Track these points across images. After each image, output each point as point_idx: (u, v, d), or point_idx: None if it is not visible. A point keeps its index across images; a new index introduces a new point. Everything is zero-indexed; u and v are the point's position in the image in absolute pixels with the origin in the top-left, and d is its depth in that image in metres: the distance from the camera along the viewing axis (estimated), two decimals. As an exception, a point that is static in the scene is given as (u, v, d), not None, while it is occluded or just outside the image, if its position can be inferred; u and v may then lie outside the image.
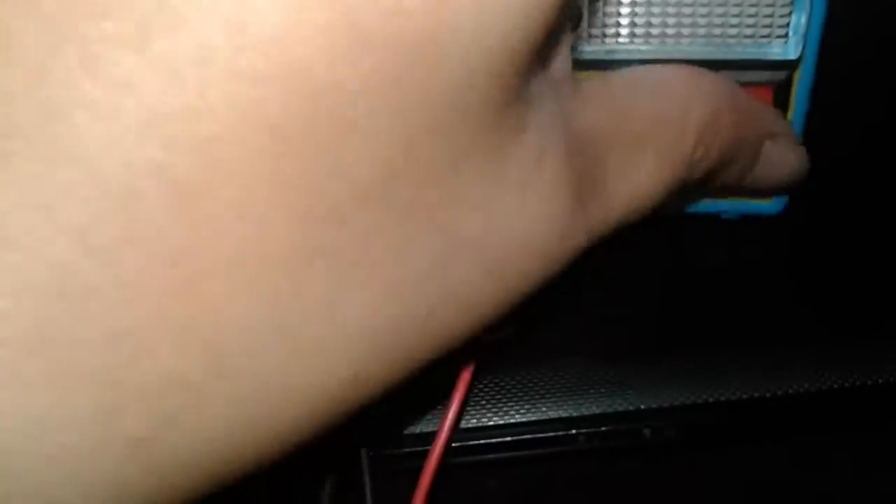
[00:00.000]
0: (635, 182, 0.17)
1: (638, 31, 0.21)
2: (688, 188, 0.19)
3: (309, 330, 0.12)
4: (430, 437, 0.19)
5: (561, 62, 0.17)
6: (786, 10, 0.20)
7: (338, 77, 0.11)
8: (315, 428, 0.13)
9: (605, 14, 0.21)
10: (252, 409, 0.12)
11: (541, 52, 0.14)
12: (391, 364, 0.14)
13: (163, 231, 0.10)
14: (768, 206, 0.26)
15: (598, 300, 0.26)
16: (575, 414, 0.23)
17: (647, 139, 0.18)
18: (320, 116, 0.11)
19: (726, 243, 0.28)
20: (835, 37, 0.23)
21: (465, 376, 0.20)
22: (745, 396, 0.23)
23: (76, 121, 0.10)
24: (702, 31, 0.21)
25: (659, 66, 0.21)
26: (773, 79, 0.23)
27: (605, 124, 0.17)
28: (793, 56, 0.21)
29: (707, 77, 0.20)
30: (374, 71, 0.11)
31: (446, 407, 0.19)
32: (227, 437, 0.12)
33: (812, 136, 0.25)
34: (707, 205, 0.27)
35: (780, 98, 0.24)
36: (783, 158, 0.22)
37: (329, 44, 0.10)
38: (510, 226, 0.14)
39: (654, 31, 0.21)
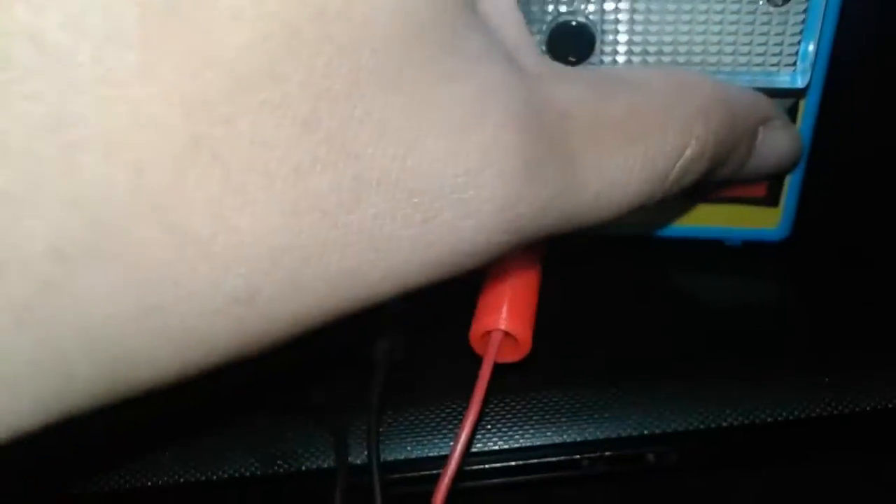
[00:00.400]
0: (607, 171, 0.16)
1: (650, 58, 0.21)
2: (691, 188, 0.19)
3: (196, 226, 0.12)
4: (440, 462, 0.19)
5: (519, 30, 0.17)
6: (795, 39, 0.20)
7: None
8: (211, 346, 0.13)
9: (616, 39, 0.21)
10: (136, 299, 0.12)
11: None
12: (292, 295, 0.13)
13: (39, 95, 0.11)
14: (772, 232, 0.26)
15: (605, 324, 0.25)
16: (578, 438, 0.23)
17: (623, 129, 0.17)
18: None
19: (731, 266, 0.28)
20: (841, 63, 0.23)
21: (478, 397, 0.20)
22: (748, 422, 0.23)
23: None
24: (712, 58, 0.21)
25: (643, 68, 0.21)
26: (781, 105, 0.23)
27: (581, 106, 0.16)
28: (801, 85, 0.21)
29: (694, 74, 0.20)
30: None
31: (459, 430, 0.19)
32: (107, 321, 0.12)
33: (817, 159, 0.25)
34: (712, 230, 0.27)
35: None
36: (778, 142, 0.22)
37: None
38: (441, 171, 0.14)
39: (666, 58, 0.21)
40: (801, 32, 0.20)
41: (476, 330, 0.21)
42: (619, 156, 0.16)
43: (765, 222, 0.26)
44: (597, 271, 0.27)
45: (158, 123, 0.11)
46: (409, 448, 0.22)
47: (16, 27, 0.10)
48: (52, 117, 0.11)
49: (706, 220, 0.27)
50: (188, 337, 0.13)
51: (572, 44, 0.21)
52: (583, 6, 0.21)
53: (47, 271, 0.11)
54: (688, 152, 0.18)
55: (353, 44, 0.12)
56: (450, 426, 0.23)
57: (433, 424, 0.23)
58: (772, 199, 0.26)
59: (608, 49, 0.21)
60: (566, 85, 0.17)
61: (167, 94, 0.11)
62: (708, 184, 0.21)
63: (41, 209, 0.11)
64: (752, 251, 0.27)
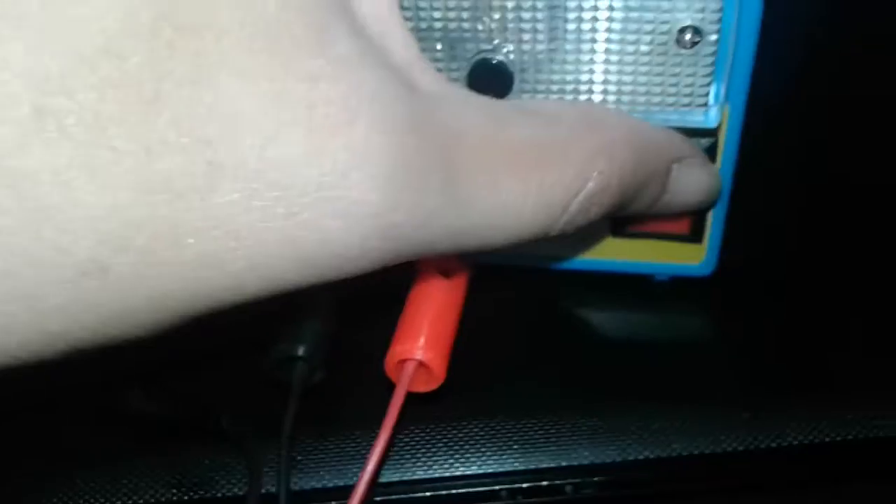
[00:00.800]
0: (498, 195, 0.17)
1: (567, 96, 0.21)
2: (602, 221, 0.19)
3: (43, 194, 0.12)
4: (347, 491, 0.19)
5: (404, 45, 0.17)
6: (706, 80, 0.21)
7: None
8: (69, 318, 0.13)
9: (535, 77, 0.21)
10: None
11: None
12: (147, 272, 0.13)
13: None
14: (697, 267, 0.27)
15: (526, 354, 0.26)
16: (498, 469, 0.23)
17: (521, 156, 0.17)
18: None
19: (658, 301, 0.28)
20: (761, 100, 0.24)
21: (388, 426, 0.20)
22: (666, 455, 0.23)
23: None
24: (626, 98, 0.21)
25: (555, 101, 0.21)
26: (699, 144, 0.24)
27: (476, 128, 0.17)
28: (713, 124, 0.22)
29: (604, 110, 0.20)
30: None
31: (366, 459, 0.19)
32: None
33: (740, 196, 0.25)
34: (639, 265, 0.27)
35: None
36: (693, 181, 0.22)
37: None
38: (304, 168, 0.14)
39: (582, 96, 0.21)
40: (711, 74, 0.21)
41: (391, 358, 0.21)
42: (512, 180, 0.17)
43: (690, 258, 0.27)
44: (522, 302, 0.27)
45: (3, 93, 0.12)
46: (323, 477, 0.22)
47: None
48: None
49: (634, 255, 0.27)
50: (41, 304, 0.13)
51: (492, 81, 0.21)
52: (502, 45, 0.21)
53: None
54: (590, 185, 0.18)
55: (196, 28, 0.13)
56: (364, 455, 0.23)
57: (348, 453, 0.23)
58: (696, 236, 0.26)
59: (527, 87, 0.22)
60: (463, 107, 0.17)
61: (12, 66, 0.12)
62: (623, 218, 0.21)
63: None
64: (680, 286, 0.28)
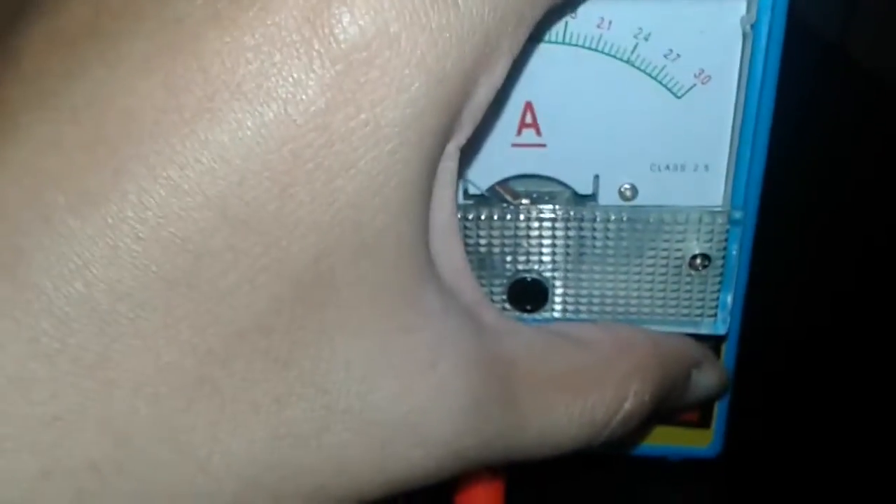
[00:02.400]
0: (547, 421, 0.19)
1: (594, 307, 0.24)
2: (633, 428, 0.21)
3: (197, 447, 0.15)
4: None
5: (473, 290, 0.19)
6: (714, 295, 0.24)
7: (210, 246, 0.14)
8: None
9: (566, 293, 0.24)
10: (149, 500, 0.14)
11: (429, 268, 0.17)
12: None
13: (85, 345, 0.14)
14: (705, 450, 0.29)
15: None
16: None
17: (565, 382, 0.19)
18: (199, 275, 0.14)
19: (671, 482, 0.30)
20: (757, 305, 0.27)
21: None
22: None
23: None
24: (646, 310, 0.24)
25: (586, 324, 0.24)
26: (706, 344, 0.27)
27: (527, 359, 0.19)
28: (722, 332, 0.25)
29: (633, 332, 0.23)
30: (239, 244, 0.14)
31: None
32: None
33: (742, 385, 0.28)
34: (655, 448, 0.30)
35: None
36: (708, 381, 0.25)
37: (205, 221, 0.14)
38: (396, 407, 0.16)
39: (607, 308, 0.24)
40: (718, 289, 0.24)
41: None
42: (560, 404, 0.19)
43: (699, 442, 0.29)
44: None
45: (175, 367, 0.14)
46: None
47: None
48: (96, 359, 0.14)
49: (651, 440, 0.30)
50: None
51: (529, 295, 0.24)
52: (537, 266, 0.24)
53: (84, 480, 0.14)
54: (626, 405, 0.20)
55: (322, 304, 0.15)
56: None
57: None
58: (704, 423, 0.29)
59: (559, 300, 0.25)
60: (517, 338, 0.20)
61: (181, 345, 0.14)
62: (649, 420, 0.23)
63: (83, 430, 0.14)
64: (691, 465, 0.30)
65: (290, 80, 0.14)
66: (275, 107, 0.14)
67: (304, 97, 0.14)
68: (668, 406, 0.24)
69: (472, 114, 0.16)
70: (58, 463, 0.14)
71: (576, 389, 0.20)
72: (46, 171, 0.14)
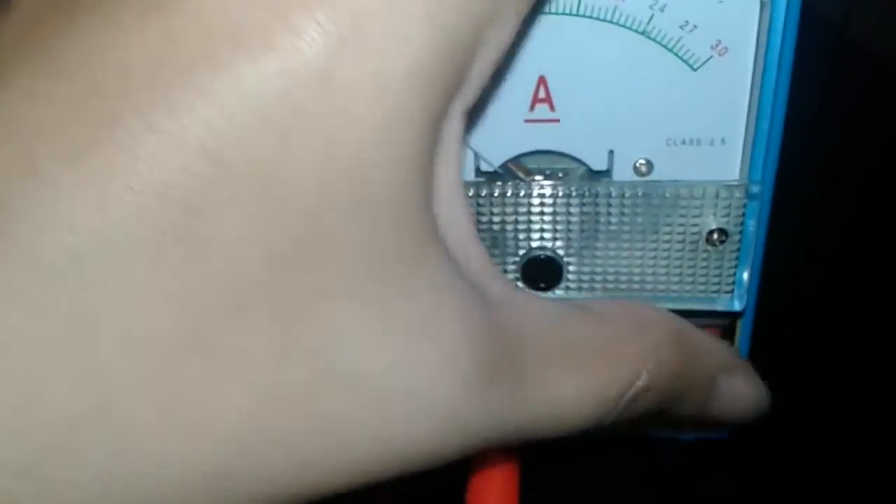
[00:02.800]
0: (556, 396, 0.18)
1: (609, 285, 0.24)
2: (639, 416, 0.20)
3: (186, 409, 0.14)
4: None
5: (481, 259, 0.19)
6: (731, 271, 0.24)
7: (205, 199, 0.13)
8: None
9: (580, 270, 0.24)
10: (126, 467, 0.14)
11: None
12: (262, 474, 0.15)
13: (68, 298, 0.13)
14: (717, 431, 0.29)
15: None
16: None
17: (578, 356, 0.19)
18: (192, 228, 0.14)
19: (682, 464, 0.30)
20: (773, 285, 0.27)
21: None
22: None
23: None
24: (661, 286, 0.24)
25: (605, 300, 0.23)
26: (718, 323, 0.27)
27: (539, 332, 0.18)
28: (738, 308, 0.24)
29: (653, 312, 0.22)
30: (235, 198, 0.14)
31: None
32: (105, 483, 0.14)
33: (755, 368, 0.28)
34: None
35: (726, 337, 0.27)
36: (739, 393, 0.24)
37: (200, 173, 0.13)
38: (400, 375, 0.15)
39: (622, 285, 0.24)
40: (735, 265, 0.24)
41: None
42: (571, 378, 0.18)
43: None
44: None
45: (163, 324, 0.14)
46: None
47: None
48: (79, 312, 0.13)
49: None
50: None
51: (543, 273, 0.24)
52: (550, 243, 0.24)
53: (58, 437, 0.14)
54: (638, 384, 0.20)
55: (321, 262, 0.15)
56: None
57: None
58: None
59: (573, 278, 0.24)
60: (527, 310, 0.19)
61: (171, 301, 0.14)
62: (669, 418, 0.23)
63: (61, 385, 0.14)
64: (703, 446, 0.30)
65: (292, 30, 0.13)
66: (275, 57, 0.13)
67: (306, 48, 0.13)
68: (687, 408, 0.23)
69: (479, 72, 0.16)
70: (30, 418, 0.13)
71: (588, 364, 0.19)
72: (34, 121, 0.13)
